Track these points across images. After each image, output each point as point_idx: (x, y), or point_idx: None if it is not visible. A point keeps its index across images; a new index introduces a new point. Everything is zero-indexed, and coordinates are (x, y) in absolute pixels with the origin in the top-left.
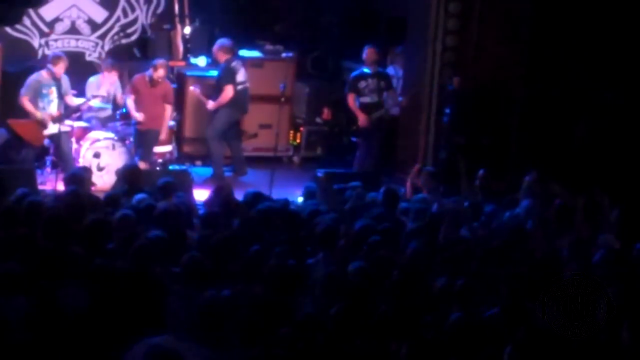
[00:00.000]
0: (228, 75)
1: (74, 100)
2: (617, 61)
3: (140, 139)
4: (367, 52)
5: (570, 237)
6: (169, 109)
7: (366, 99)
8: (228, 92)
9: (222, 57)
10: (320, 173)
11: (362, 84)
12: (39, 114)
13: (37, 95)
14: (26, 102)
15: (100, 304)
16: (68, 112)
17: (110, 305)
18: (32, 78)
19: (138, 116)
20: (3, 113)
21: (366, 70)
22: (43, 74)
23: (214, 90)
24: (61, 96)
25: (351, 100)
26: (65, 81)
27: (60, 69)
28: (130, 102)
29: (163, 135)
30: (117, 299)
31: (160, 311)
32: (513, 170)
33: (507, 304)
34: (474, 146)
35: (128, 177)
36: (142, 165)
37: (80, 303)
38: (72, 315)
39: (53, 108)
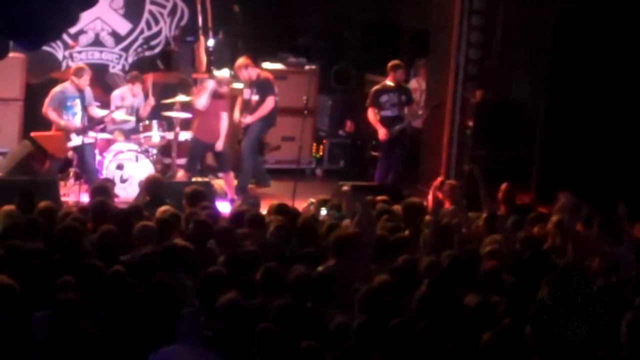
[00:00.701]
0: (270, 87)
1: (97, 112)
2: None
3: (201, 152)
4: (400, 71)
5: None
6: (225, 118)
7: (387, 113)
8: (269, 103)
9: (254, 71)
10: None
11: (384, 97)
12: (62, 122)
13: (62, 107)
14: (50, 113)
15: (117, 316)
16: (91, 124)
17: (126, 316)
18: (57, 90)
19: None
20: (27, 124)
21: (388, 84)
22: (67, 86)
23: (254, 104)
24: (85, 108)
25: (372, 114)
26: (89, 93)
27: (84, 81)
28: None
29: (220, 143)
30: (132, 310)
31: (173, 321)
32: (537, 182)
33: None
34: (496, 159)
35: (149, 187)
36: (183, 175)
37: (101, 319)
38: (92, 332)
39: (77, 120)
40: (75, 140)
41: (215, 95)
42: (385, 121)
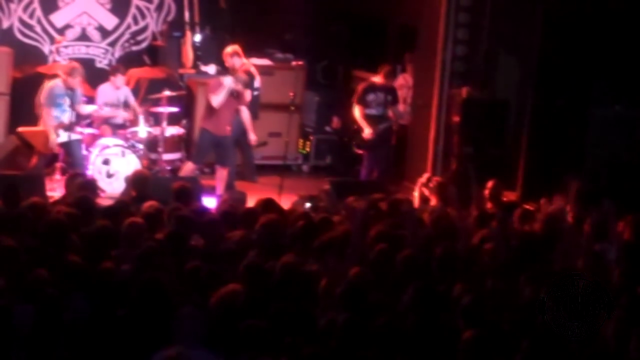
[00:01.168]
0: (247, 81)
1: (85, 109)
2: (629, 72)
3: (210, 146)
4: (390, 72)
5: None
6: (245, 111)
7: (372, 111)
8: (246, 97)
9: (239, 62)
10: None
11: (371, 96)
12: (52, 128)
13: (53, 104)
14: (47, 115)
15: (105, 313)
16: (78, 120)
17: (115, 314)
18: (50, 87)
19: None
20: (13, 119)
21: (376, 82)
22: (59, 83)
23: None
24: (72, 106)
25: (358, 111)
26: (79, 92)
27: (77, 82)
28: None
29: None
30: (122, 308)
31: (168, 320)
32: (523, 180)
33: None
34: (483, 156)
35: (135, 183)
36: (190, 167)
37: (83, 313)
38: (76, 326)
39: (65, 117)
40: (63, 137)
41: (232, 94)
42: (370, 120)
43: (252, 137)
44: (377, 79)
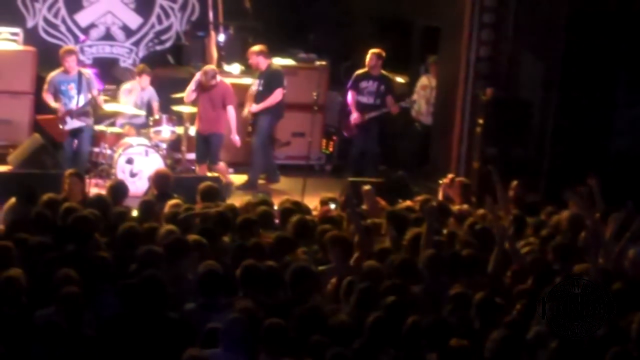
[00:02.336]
0: (279, 79)
1: (99, 98)
2: None
3: (201, 144)
4: (369, 57)
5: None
6: (230, 110)
7: (363, 99)
8: (277, 95)
9: (265, 62)
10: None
11: (363, 84)
12: (54, 105)
13: (58, 91)
14: (46, 96)
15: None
16: (86, 106)
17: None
18: (52, 75)
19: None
20: (38, 116)
21: (369, 71)
22: (59, 71)
23: (258, 95)
24: (81, 92)
25: (350, 96)
26: (87, 78)
27: (72, 61)
28: None
29: (235, 137)
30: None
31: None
32: (547, 181)
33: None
34: (506, 157)
35: (156, 182)
36: (203, 169)
37: (110, 311)
38: (102, 324)
39: (73, 104)
40: (71, 124)
41: (202, 87)
42: (359, 106)
43: (236, 138)
44: (370, 68)
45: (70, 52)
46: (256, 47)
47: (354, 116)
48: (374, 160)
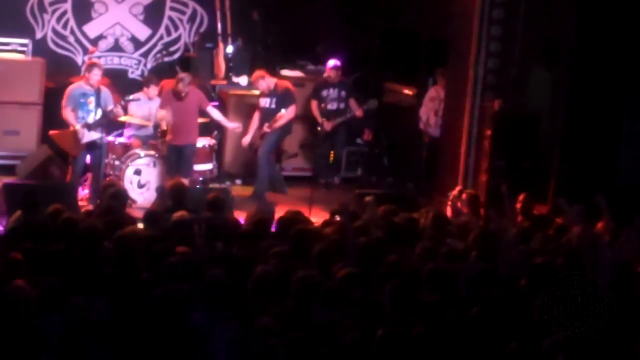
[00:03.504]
0: (291, 96)
1: (118, 110)
2: None
3: (174, 156)
4: (329, 70)
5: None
6: (212, 110)
7: (328, 106)
8: (290, 112)
9: (271, 81)
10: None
11: (324, 92)
12: (78, 127)
13: (77, 105)
14: (68, 113)
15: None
16: (102, 119)
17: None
18: (72, 88)
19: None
20: (46, 128)
21: (329, 79)
22: (82, 84)
23: (272, 112)
24: (99, 106)
25: (313, 106)
26: (105, 93)
27: (95, 75)
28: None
29: (232, 124)
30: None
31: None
32: (554, 194)
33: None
34: (514, 169)
35: (173, 193)
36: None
37: (108, 318)
38: (103, 332)
39: (91, 118)
40: (88, 136)
41: (177, 97)
42: (325, 114)
43: (234, 125)
44: (329, 76)
45: (98, 65)
46: (256, 74)
47: (327, 124)
48: (337, 165)
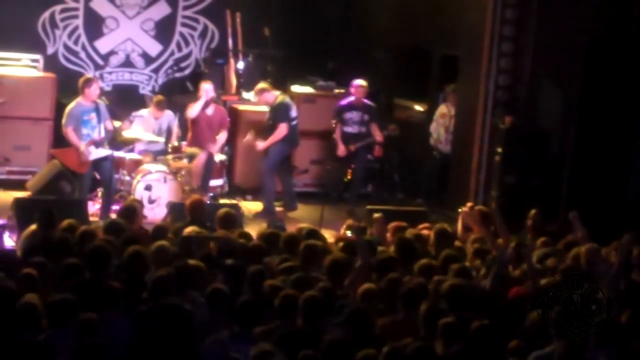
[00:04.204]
0: (283, 113)
1: (112, 125)
2: None
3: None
4: (356, 89)
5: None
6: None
7: (348, 129)
8: (282, 130)
9: (271, 96)
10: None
11: (348, 115)
12: (82, 146)
13: (79, 123)
14: (70, 133)
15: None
16: (107, 136)
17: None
18: (72, 107)
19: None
20: (57, 144)
21: (353, 101)
22: (81, 101)
23: (268, 128)
24: (101, 121)
25: (336, 127)
26: (103, 107)
27: (94, 90)
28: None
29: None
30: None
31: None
32: (565, 210)
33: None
34: (525, 186)
35: (192, 210)
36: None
37: (121, 337)
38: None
39: (96, 133)
40: (95, 153)
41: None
42: (345, 137)
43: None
44: (353, 97)
45: (93, 80)
46: (258, 86)
47: (341, 149)
48: (357, 186)
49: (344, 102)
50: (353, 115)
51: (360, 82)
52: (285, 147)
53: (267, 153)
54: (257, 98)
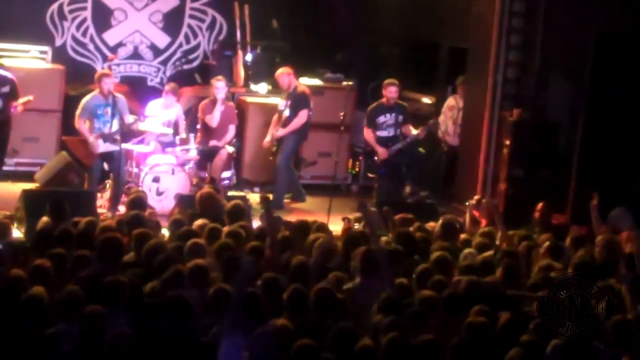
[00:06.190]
0: (305, 101)
1: (128, 119)
2: None
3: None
4: (389, 90)
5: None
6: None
7: (383, 133)
8: (302, 117)
9: (295, 82)
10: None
11: (381, 118)
12: (91, 139)
13: (93, 116)
14: (81, 125)
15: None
16: (121, 130)
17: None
18: (86, 100)
19: None
20: (65, 134)
21: (385, 104)
22: (96, 95)
23: (285, 118)
24: (114, 115)
25: (369, 134)
26: (122, 102)
27: (106, 84)
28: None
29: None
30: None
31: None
32: (573, 203)
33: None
34: (533, 179)
35: (201, 202)
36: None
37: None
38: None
39: (106, 128)
40: (103, 147)
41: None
42: (381, 141)
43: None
44: (384, 100)
45: (108, 75)
46: (286, 69)
47: (381, 151)
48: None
49: (374, 104)
50: (387, 117)
51: (390, 81)
52: (298, 138)
53: (281, 146)
54: (278, 79)
